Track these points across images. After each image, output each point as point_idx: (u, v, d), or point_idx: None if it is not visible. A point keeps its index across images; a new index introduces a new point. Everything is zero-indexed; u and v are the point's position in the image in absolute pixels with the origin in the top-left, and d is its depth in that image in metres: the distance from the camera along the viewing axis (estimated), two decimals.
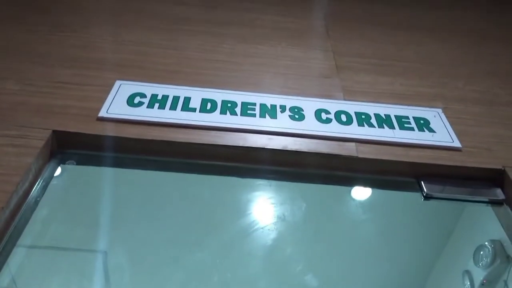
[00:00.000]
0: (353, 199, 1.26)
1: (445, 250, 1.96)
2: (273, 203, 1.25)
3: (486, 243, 1.65)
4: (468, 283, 1.77)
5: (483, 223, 1.61)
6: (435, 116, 1.17)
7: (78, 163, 1.02)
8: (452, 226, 1.81)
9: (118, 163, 1.04)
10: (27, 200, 0.90)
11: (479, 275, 1.70)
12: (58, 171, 0.99)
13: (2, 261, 0.82)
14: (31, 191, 0.92)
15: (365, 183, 1.13)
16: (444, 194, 1.03)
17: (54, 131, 0.98)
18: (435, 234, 1.88)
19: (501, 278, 1.66)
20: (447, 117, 1.17)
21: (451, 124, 1.15)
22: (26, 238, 0.89)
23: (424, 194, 1.02)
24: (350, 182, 1.12)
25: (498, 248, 1.63)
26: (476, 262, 1.72)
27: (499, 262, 1.63)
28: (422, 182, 1.04)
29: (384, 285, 2.10)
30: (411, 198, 1.08)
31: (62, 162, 1.01)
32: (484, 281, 1.70)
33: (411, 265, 2.03)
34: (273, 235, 1.31)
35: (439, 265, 2.03)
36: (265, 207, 1.26)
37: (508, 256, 1.61)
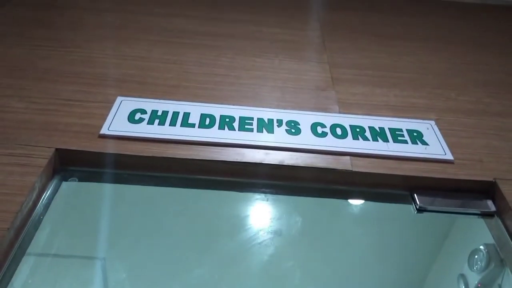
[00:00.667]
0: (348, 212, 1.29)
1: (440, 254, 1.99)
2: (270, 218, 1.28)
3: (481, 247, 1.68)
4: (463, 287, 1.80)
5: (477, 227, 1.64)
6: (428, 128, 1.20)
7: (80, 180, 1.05)
8: (446, 230, 1.84)
9: (119, 180, 1.07)
10: (30, 219, 0.93)
11: (474, 279, 1.73)
12: (61, 188, 1.02)
13: (7, 281, 0.85)
14: (34, 209, 0.94)
15: (359, 196, 1.16)
16: (436, 207, 1.06)
17: (57, 149, 1.01)
18: (430, 240, 1.90)
19: (496, 282, 1.68)
20: (439, 129, 1.20)
21: (444, 136, 1.18)
22: (29, 256, 0.91)
23: (417, 207, 1.05)
24: (345, 195, 1.15)
25: (493, 252, 1.65)
26: (470, 266, 1.74)
27: (494, 266, 1.66)
28: (415, 195, 1.07)
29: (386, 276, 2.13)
30: (404, 210, 1.11)
31: (64, 179, 1.04)
32: (479, 285, 1.73)
33: (407, 271, 2.06)
34: (270, 249, 1.34)
35: (434, 269, 2.06)
36: (262, 221, 1.29)
37: (502, 260, 1.64)
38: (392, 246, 1.76)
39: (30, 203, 0.93)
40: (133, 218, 1.28)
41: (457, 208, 1.08)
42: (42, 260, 1.13)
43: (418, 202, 1.06)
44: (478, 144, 1.18)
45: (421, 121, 1.23)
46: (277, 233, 1.31)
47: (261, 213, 1.25)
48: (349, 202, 1.20)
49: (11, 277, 0.86)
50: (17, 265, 0.88)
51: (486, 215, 1.08)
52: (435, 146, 1.14)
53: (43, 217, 0.95)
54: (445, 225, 1.86)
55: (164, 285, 1.50)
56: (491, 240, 1.45)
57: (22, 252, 0.90)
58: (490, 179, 1.08)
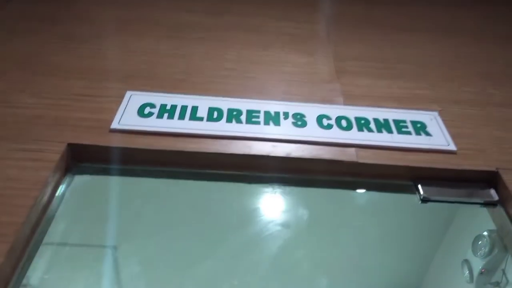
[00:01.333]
0: (354, 202, 1.31)
1: (444, 241, 2.02)
2: (278, 210, 1.31)
3: (484, 233, 1.71)
4: (467, 272, 1.83)
5: (480, 214, 1.66)
6: (431, 119, 1.22)
7: (92, 174, 1.08)
8: (450, 218, 1.87)
9: (130, 173, 1.10)
10: (45, 212, 0.95)
11: (478, 264, 1.76)
12: (74, 182, 1.05)
13: (24, 273, 0.88)
14: (48, 203, 0.97)
15: (365, 187, 1.18)
16: (440, 197, 1.08)
17: (69, 144, 1.04)
18: (434, 227, 1.93)
19: (500, 267, 1.71)
20: (442, 120, 1.22)
21: (447, 127, 1.19)
22: (44, 249, 0.94)
23: (421, 197, 1.07)
24: (351, 186, 1.17)
25: (496, 238, 1.68)
26: (474, 252, 1.78)
27: (497, 251, 1.69)
28: (419, 186, 1.09)
29: (386, 276, 2.16)
30: (409, 200, 1.13)
31: (76, 174, 1.06)
32: (483, 270, 1.76)
33: (412, 257, 2.09)
34: (279, 240, 1.36)
35: (438, 255, 2.09)
36: (270, 213, 1.31)
37: (506, 246, 1.67)
38: (397, 234, 1.79)
39: (44, 197, 0.95)
40: (144, 210, 1.31)
41: (461, 198, 1.10)
42: (56, 251, 1.16)
43: (422, 193, 1.08)
44: (480, 134, 1.20)
45: (424, 112, 1.24)
46: (285, 225, 1.34)
47: (269, 205, 1.28)
48: (355, 193, 1.23)
49: (27, 269, 0.89)
50: (32, 257, 0.91)
51: (489, 204, 1.10)
52: (439, 137, 1.16)
53: (56, 211, 0.98)
54: (449, 213, 1.89)
55: (175, 275, 1.54)
56: (494, 227, 1.47)
57: (37, 245, 0.93)
58: (493, 169, 1.10)
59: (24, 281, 0.88)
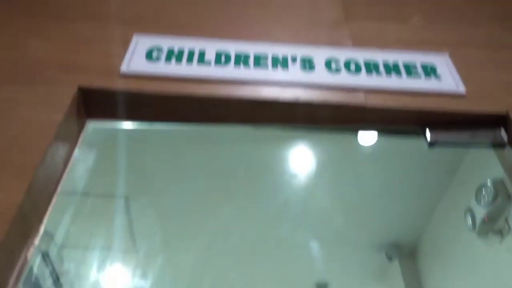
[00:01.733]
0: (361, 148, 1.31)
1: (449, 189, 2.04)
2: (286, 158, 1.31)
3: (488, 181, 1.72)
4: (470, 220, 1.86)
5: (485, 163, 1.68)
6: (441, 62, 1.20)
7: (103, 118, 1.08)
8: (455, 166, 1.88)
9: (139, 118, 1.10)
10: (57, 156, 0.96)
11: (481, 213, 1.78)
12: (86, 128, 1.05)
13: (39, 220, 0.90)
14: (62, 147, 0.98)
15: (372, 131, 1.19)
16: (448, 139, 1.08)
17: (79, 88, 1.04)
18: (439, 175, 1.94)
19: (503, 216, 1.74)
20: (452, 62, 1.20)
21: (456, 69, 1.18)
22: (59, 196, 0.96)
23: (429, 141, 1.08)
24: (359, 130, 1.17)
25: (500, 186, 1.70)
26: (478, 200, 1.80)
27: (501, 200, 1.71)
28: (427, 130, 1.09)
29: (389, 224, 2.20)
30: (416, 145, 1.14)
31: (87, 117, 1.07)
32: (486, 218, 1.78)
33: (417, 205, 2.11)
34: (288, 189, 1.38)
35: (442, 204, 2.11)
36: (279, 162, 1.32)
37: (509, 195, 1.68)
38: (403, 181, 1.80)
39: (58, 141, 0.96)
40: (156, 158, 1.32)
41: (469, 140, 1.10)
42: (70, 199, 1.18)
43: (430, 137, 1.08)
44: (490, 77, 1.19)
45: (434, 55, 1.23)
46: (293, 172, 1.35)
47: (278, 153, 1.28)
48: (362, 139, 1.23)
49: (42, 216, 0.91)
50: (49, 203, 0.93)
51: (498, 145, 1.10)
52: (448, 80, 1.15)
53: (70, 155, 0.99)
54: (453, 162, 1.90)
55: (188, 225, 1.57)
56: (499, 175, 1.49)
57: (51, 192, 0.95)
58: (502, 110, 1.09)
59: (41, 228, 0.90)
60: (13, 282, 0.83)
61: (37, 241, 0.90)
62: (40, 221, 0.91)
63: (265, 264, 2.17)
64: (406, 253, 2.44)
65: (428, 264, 2.37)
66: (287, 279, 2.36)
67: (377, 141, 1.35)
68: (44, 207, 0.92)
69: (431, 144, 1.08)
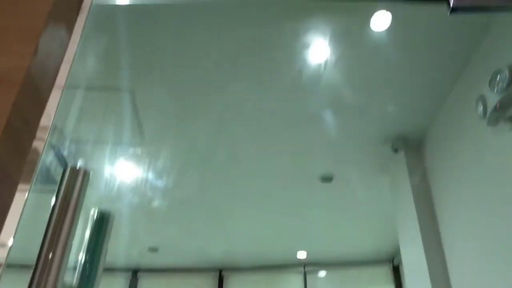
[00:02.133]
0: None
1: (461, 78, 1.99)
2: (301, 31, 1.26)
3: (504, 67, 1.67)
4: (481, 107, 1.82)
5: (503, 47, 1.62)
6: None
7: None
8: (472, 49, 1.81)
9: None
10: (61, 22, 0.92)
11: (493, 100, 1.74)
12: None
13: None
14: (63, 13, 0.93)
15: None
16: (472, 3, 1.02)
17: None
18: (453, 61, 1.88)
19: None
20: None
21: None
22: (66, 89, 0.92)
23: (451, 6, 1.01)
24: None
25: None
26: (492, 87, 1.75)
27: None
28: None
29: (399, 113, 2.18)
30: (436, 12, 1.08)
31: None
32: (498, 105, 1.75)
33: (428, 95, 2.07)
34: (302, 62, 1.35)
35: (453, 93, 2.08)
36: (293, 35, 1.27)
37: None
38: (415, 68, 1.76)
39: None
40: (165, 34, 1.26)
41: (494, 2, 1.03)
42: (77, 92, 1.14)
43: (452, 1, 1.01)
44: None
45: None
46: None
47: (292, 27, 1.22)
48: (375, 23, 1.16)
49: (51, 86, 0.88)
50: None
51: None
52: None
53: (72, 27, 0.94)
54: (470, 45, 1.83)
55: (200, 99, 1.56)
56: None
57: (58, 62, 0.91)
58: None
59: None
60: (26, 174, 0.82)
61: (48, 135, 0.87)
62: (49, 90, 0.88)
63: (276, 139, 2.18)
64: (412, 145, 2.42)
65: (434, 156, 2.36)
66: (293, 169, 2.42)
67: (391, 23, 1.29)
68: (52, 73, 0.88)
69: (453, 10, 1.01)
